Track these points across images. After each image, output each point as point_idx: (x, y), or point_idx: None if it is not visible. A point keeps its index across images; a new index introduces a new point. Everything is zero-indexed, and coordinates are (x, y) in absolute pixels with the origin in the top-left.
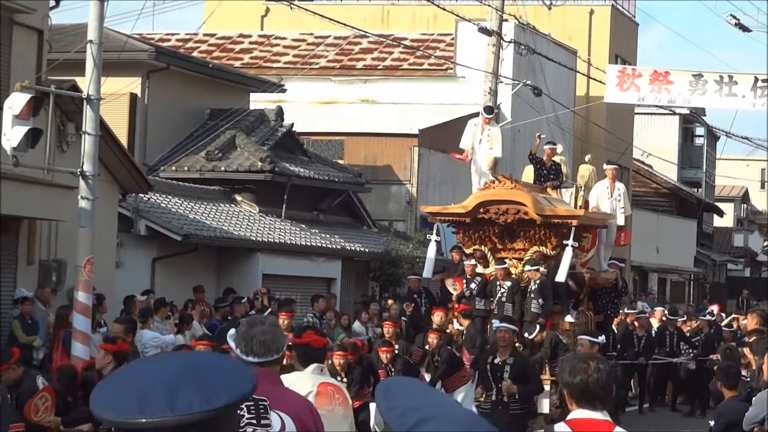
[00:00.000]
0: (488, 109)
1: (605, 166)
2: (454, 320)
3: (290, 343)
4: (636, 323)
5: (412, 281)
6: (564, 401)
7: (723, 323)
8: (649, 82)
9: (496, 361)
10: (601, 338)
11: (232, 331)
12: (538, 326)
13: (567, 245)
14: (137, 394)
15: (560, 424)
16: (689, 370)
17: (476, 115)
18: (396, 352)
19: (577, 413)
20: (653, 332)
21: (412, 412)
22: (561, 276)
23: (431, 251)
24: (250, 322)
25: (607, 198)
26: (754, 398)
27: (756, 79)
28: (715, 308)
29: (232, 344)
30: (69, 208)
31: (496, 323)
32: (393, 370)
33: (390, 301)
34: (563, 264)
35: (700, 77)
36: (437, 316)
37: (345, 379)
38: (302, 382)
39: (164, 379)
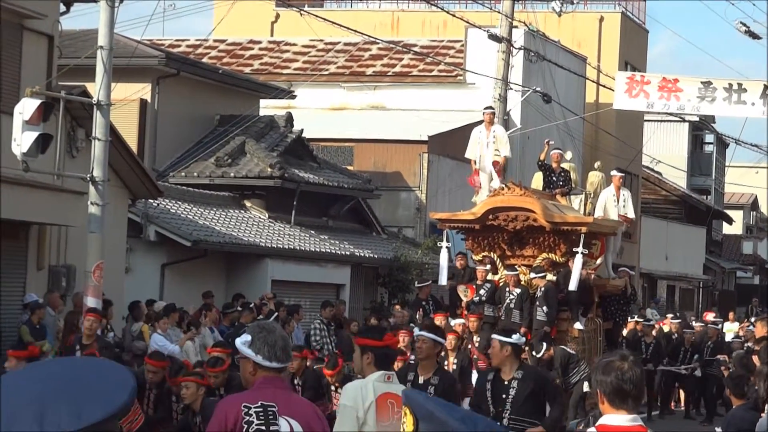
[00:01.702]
0: (488, 107)
1: (612, 173)
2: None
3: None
4: (642, 329)
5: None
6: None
7: (739, 333)
8: (658, 89)
9: (420, 381)
10: (515, 337)
11: (247, 337)
12: (543, 344)
13: (577, 253)
14: (5, 417)
15: (591, 430)
16: (696, 376)
17: (481, 122)
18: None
19: (608, 419)
20: (662, 339)
21: (469, 420)
22: (573, 284)
23: (443, 259)
24: (267, 328)
25: (614, 205)
26: None
27: (765, 87)
28: (711, 316)
29: (249, 351)
30: (79, 213)
31: (416, 331)
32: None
33: (397, 308)
34: (574, 272)
35: (709, 84)
36: (437, 321)
37: (300, 383)
38: (366, 390)
39: (34, 396)
